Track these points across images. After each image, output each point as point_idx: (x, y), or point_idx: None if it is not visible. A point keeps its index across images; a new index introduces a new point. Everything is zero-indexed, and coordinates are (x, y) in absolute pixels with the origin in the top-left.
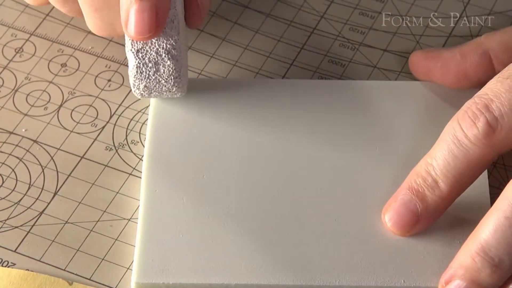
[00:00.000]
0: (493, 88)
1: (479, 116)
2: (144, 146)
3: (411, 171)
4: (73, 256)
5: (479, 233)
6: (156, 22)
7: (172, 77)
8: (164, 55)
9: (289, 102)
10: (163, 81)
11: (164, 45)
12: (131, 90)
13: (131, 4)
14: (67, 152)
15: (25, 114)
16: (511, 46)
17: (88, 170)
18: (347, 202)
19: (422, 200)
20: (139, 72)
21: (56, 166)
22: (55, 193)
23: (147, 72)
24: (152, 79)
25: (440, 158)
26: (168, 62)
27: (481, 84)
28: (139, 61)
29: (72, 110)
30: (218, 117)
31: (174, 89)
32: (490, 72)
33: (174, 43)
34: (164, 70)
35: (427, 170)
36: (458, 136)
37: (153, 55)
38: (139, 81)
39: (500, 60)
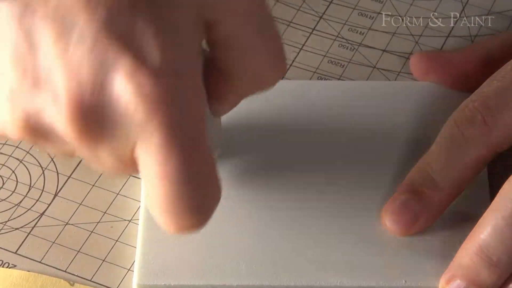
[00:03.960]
0: (489, 86)
1: (476, 115)
2: None
3: (410, 171)
4: (74, 258)
5: (477, 233)
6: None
7: None
8: None
9: (288, 103)
10: None
11: None
12: None
13: None
14: None
15: None
16: (511, 48)
17: (88, 172)
18: (347, 202)
19: (421, 199)
20: None
21: (56, 167)
22: (56, 195)
23: None
24: None
25: (438, 157)
26: None
27: (480, 85)
28: None
29: None
30: None
31: None
32: (489, 74)
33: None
34: None
35: (425, 170)
36: (455, 135)
37: None
38: None
39: (500, 62)
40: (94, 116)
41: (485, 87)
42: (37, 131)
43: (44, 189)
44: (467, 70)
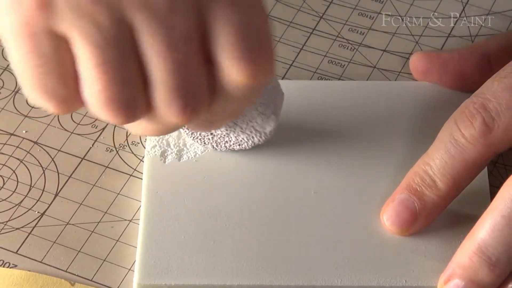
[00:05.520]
0: (490, 87)
1: (476, 115)
2: (144, 147)
3: (409, 171)
4: (75, 257)
5: (477, 233)
6: None
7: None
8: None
9: (288, 103)
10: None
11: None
12: None
13: None
14: (67, 153)
15: (26, 116)
16: (510, 49)
17: (89, 171)
18: (347, 202)
19: (420, 198)
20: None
21: (57, 167)
22: (56, 195)
23: None
24: None
25: (437, 157)
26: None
27: (479, 86)
28: None
29: None
30: None
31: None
32: (488, 74)
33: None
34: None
35: (425, 170)
36: (455, 136)
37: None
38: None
39: (499, 63)
40: None
41: (485, 88)
42: None
43: (45, 189)
44: (466, 70)
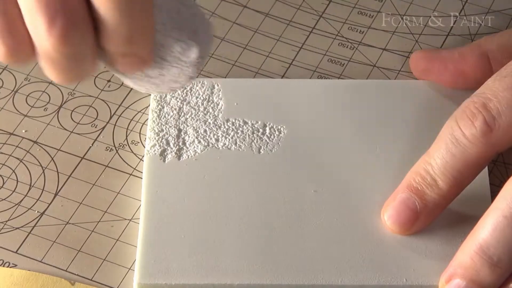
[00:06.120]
0: (491, 86)
1: (477, 115)
2: (144, 147)
3: (409, 170)
4: (75, 257)
5: (478, 232)
6: None
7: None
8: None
9: (288, 102)
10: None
11: None
12: (130, 90)
13: None
14: (67, 152)
15: (25, 115)
16: (510, 48)
17: (88, 171)
18: (348, 201)
19: (421, 198)
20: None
21: (56, 166)
22: (56, 194)
23: None
24: None
25: (438, 157)
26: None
27: (478, 84)
28: None
29: (72, 110)
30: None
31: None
32: (488, 73)
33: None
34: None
35: (425, 169)
36: (456, 135)
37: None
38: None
39: (498, 61)
40: None
41: (486, 87)
42: None
43: (45, 189)
44: (466, 69)
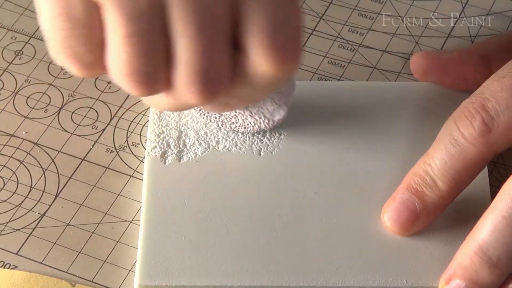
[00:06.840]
0: (489, 87)
1: (475, 115)
2: (145, 148)
3: (409, 171)
4: (75, 259)
5: (477, 233)
6: None
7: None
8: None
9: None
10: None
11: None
12: None
13: None
14: (68, 154)
15: (26, 117)
16: (510, 49)
17: (89, 172)
18: (348, 202)
19: (420, 198)
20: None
21: (57, 168)
22: (56, 196)
23: None
24: None
25: (437, 157)
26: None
27: (479, 86)
28: None
29: (73, 112)
30: None
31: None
32: (488, 75)
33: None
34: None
35: (425, 170)
36: (455, 136)
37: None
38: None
39: (498, 63)
40: None
41: (484, 87)
42: None
43: (45, 190)
44: (466, 71)
